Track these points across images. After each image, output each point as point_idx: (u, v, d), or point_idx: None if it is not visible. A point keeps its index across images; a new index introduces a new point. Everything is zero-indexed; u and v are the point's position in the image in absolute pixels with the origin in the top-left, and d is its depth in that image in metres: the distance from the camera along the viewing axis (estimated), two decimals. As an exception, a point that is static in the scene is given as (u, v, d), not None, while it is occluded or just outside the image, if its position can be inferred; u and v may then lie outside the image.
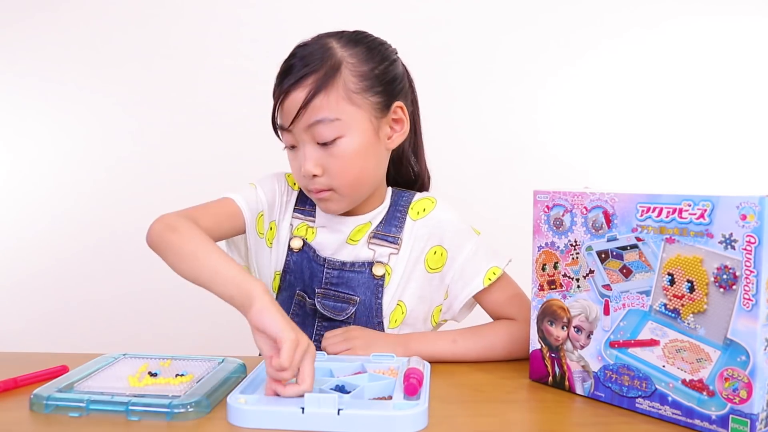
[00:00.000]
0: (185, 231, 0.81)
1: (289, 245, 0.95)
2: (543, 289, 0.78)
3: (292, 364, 0.67)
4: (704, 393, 0.64)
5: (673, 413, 0.66)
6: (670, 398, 0.66)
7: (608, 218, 0.71)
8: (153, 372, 0.78)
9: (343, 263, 0.92)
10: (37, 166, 1.76)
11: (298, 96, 0.84)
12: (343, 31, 0.91)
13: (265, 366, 0.70)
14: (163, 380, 0.76)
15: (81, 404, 0.68)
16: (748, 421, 0.61)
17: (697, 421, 0.64)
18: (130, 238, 1.74)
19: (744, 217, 0.60)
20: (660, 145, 1.76)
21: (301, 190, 0.99)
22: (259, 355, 1.00)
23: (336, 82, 0.85)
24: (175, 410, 0.66)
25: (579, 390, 0.75)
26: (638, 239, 0.68)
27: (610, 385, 0.72)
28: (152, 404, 0.67)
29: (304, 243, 0.95)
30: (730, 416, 0.62)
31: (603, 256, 0.72)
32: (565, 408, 0.72)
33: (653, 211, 0.67)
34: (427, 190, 1.03)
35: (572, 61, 1.75)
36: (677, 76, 1.75)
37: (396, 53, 0.95)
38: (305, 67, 0.85)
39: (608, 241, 0.71)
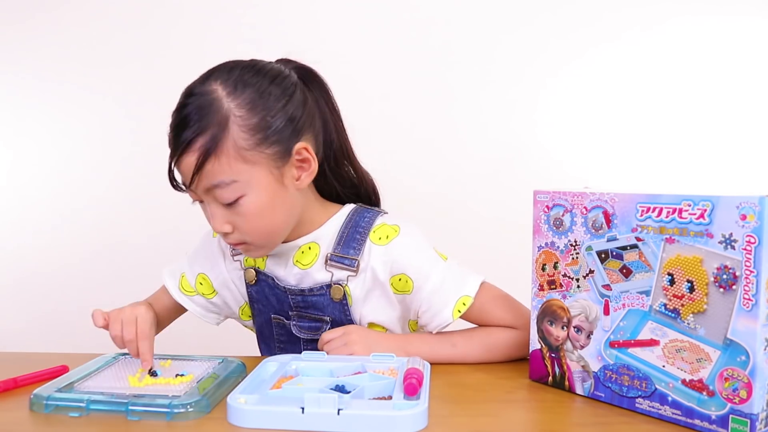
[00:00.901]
0: None
1: (245, 280, 0.94)
2: (543, 289, 0.78)
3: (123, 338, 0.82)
4: (704, 393, 0.64)
5: (673, 413, 0.66)
6: (670, 398, 0.66)
7: (608, 218, 0.71)
8: (153, 372, 0.78)
9: (302, 290, 0.90)
10: (37, 167, 1.76)
11: (189, 161, 0.79)
12: (233, 67, 0.85)
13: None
14: (163, 380, 0.76)
15: (81, 404, 0.68)
16: (748, 421, 0.61)
17: (697, 421, 0.64)
18: (131, 237, 1.75)
19: (744, 217, 0.60)
20: (660, 145, 1.76)
21: None
22: (261, 355, 1.00)
23: (225, 142, 0.79)
24: (175, 410, 0.66)
25: (579, 390, 0.75)
26: (638, 239, 0.68)
27: (610, 385, 0.72)
28: (152, 404, 0.67)
29: (257, 272, 0.92)
30: (730, 416, 0.62)
31: (603, 256, 0.72)
32: (565, 408, 0.72)
33: (653, 211, 0.67)
34: (374, 191, 0.98)
35: (572, 62, 1.75)
36: (677, 77, 1.75)
37: (293, 83, 0.86)
38: (190, 127, 0.79)
39: (608, 241, 0.71)
